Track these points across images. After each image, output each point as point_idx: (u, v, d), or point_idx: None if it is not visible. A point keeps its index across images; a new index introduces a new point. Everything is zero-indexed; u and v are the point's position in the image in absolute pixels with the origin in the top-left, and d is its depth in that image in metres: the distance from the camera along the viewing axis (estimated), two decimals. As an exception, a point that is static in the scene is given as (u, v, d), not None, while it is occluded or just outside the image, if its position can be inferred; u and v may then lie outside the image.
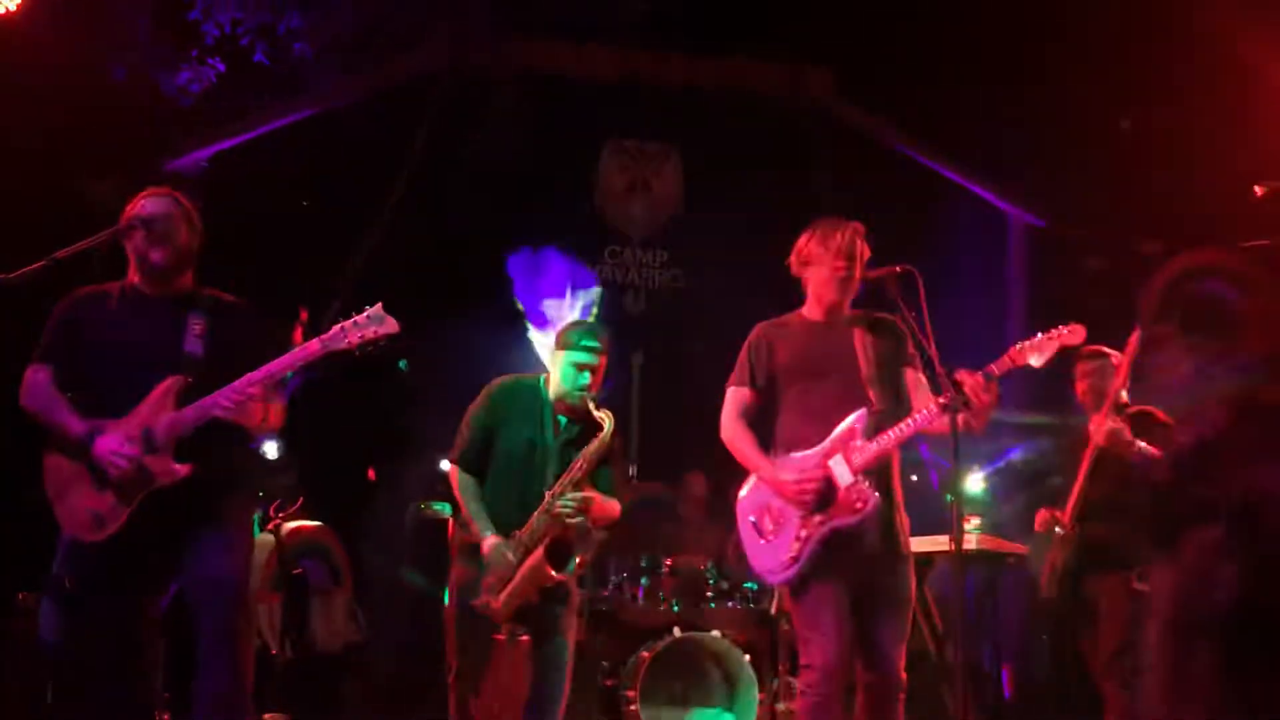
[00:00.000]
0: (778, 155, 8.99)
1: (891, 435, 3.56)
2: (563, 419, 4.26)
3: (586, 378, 4.18)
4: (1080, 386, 4.85)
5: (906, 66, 8.44)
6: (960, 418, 3.41)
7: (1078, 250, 8.58)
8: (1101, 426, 4.44)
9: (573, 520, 4.02)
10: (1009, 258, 8.80)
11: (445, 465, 4.36)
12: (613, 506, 4.25)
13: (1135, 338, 4.52)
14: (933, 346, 3.46)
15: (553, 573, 4.00)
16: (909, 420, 3.57)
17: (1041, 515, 4.80)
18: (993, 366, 3.48)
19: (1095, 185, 8.22)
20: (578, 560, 4.08)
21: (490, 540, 4.07)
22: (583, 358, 4.18)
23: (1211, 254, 9.02)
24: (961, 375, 3.44)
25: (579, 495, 4.05)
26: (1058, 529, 4.65)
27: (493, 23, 8.18)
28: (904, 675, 3.62)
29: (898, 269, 3.59)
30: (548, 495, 4.07)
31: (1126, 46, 7.75)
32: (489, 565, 4.05)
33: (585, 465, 4.10)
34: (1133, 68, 7.81)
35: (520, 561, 4.01)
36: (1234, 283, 8.91)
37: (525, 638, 4.25)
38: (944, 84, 8.31)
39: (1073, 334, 3.54)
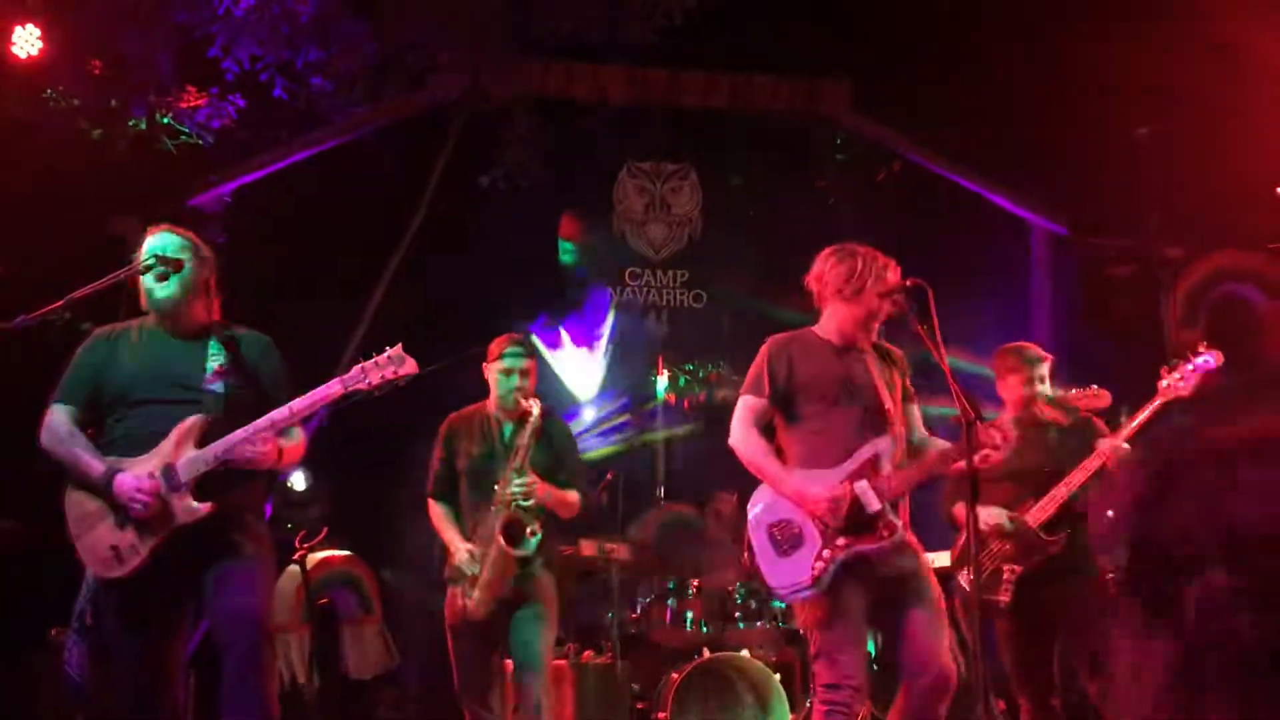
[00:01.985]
0: (795, 171, 8.99)
1: (921, 471, 3.61)
2: (508, 426, 4.66)
3: (515, 379, 4.59)
4: (1006, 386, 4.68)
5: (922, 78, 8.43)
6: (978, 458, 3.43)
7: (1101, 258, 8.52)
8: (1110, 448, 4.34)
9: (522, 502, 4.39)
10: (1032, 267, 8.75)
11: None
12: (568, 495, 4.60)
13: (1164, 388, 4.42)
14: (944, 360, 3.44)
15: (512, 550, 4.35)
16: (939, 460, 3.61)
17: (994, 512, 4.52)
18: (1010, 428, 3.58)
19: (1116, 192, 8.17)
20: (529, 531, 4.40)
21: (460, 548, 4.47)
22: (509, 362, 4.62)
23: (1235, 257, 8.99)
24: (990, 428, 3.48)
25: (523, 480, 4.39)
26: (1007, 523, 4.45)
27: (506, 49, 8.22)
28: (951, 668, 3.58)
29: (908, 282, 3.57)
30: (497, 489, 4.44)
31: (1144, 53, 7.71)
32: (462, 572, 4.45)
33: (523, 452, 4.45)
34: (1151, 74, 7.77)
35: (484, 555, 4.40)
36: (1258, 285, 8.83)
37: (507, 661, 4.73)
38: (961, 95, 8.29)
39: (1097, 398, 3.56)
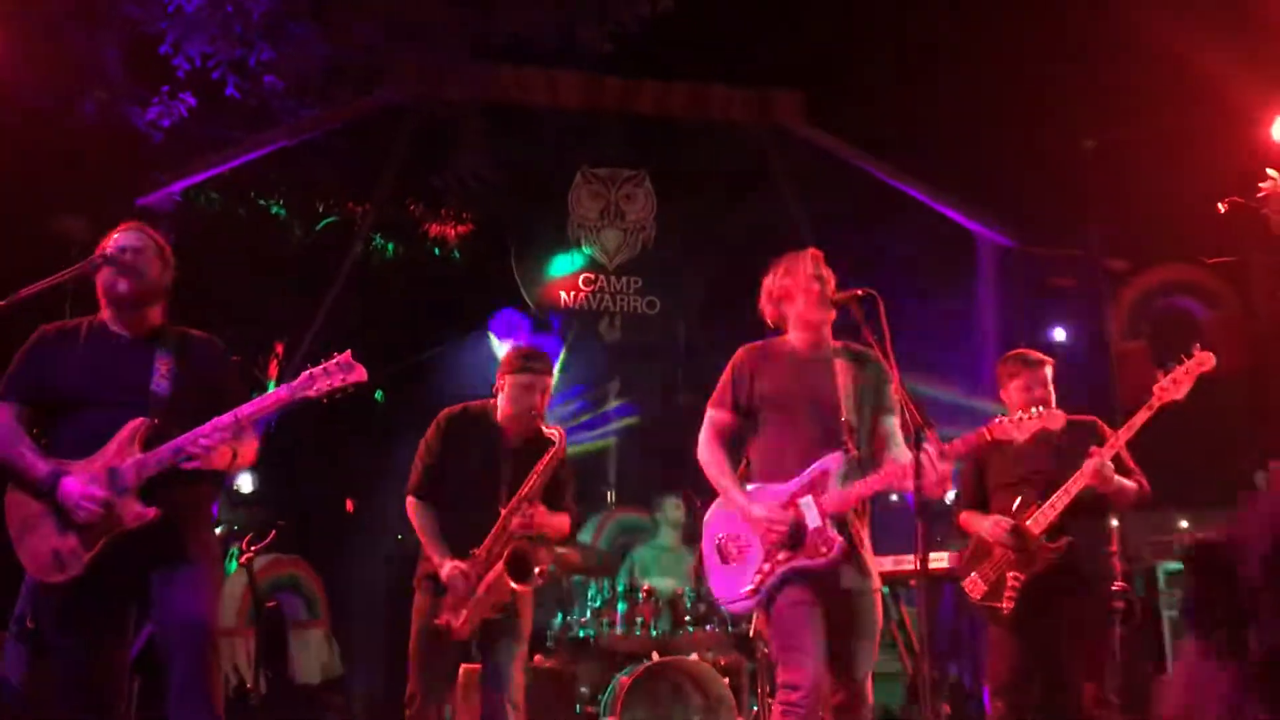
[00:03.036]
0: (748, 180, 9.05)
1: (863, 487, 3.60)
2: (512, 440, 4.41)
3: (535, 396, 4.36)
4: (1008, 392, 4.70)
5: (874, 90, 8.53)
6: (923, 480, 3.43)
7: (1046, 269, 8.66)
8: (1094, 468, 4.38)
9: (529, 534, 4.22)
10: (978, 278, 8.86)
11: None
12: (562, 521, 4.44)
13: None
14: (895, 370, 3.48)
15: (513, 585, 4.17)
16: (880, 476, 3.60)
17: (998, 520, 4.57)
18: (960, 444, 3.54)
19: (1062, 204, 8.31)
20: (538, 570, 4.24)
21: (449, 564, 4.21)
22: (531, 378, 4.36)
23: (1177, 270, 9.15)
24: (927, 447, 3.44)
25: (531, 511, 4.22)
26: (1009, 532, 4.47)
27: (460, 53, 8.20)
28: (870, 697, 3.66)
29: (859, 292, 3.61)
30: (503, 513, 4.23)
31: (1090, 68, 7.86)
32: (449, 587, 4.19)
33: (538, 480, 4.26)
34: (1095, 88, 7.92)
35: (480, 578, 4.18)
36: (1200, 297, 9.00)
37: (474, 665, 4.50)
38: (912, 108, 8.40)
39: (1052, 418, 3.57)
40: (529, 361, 4.40)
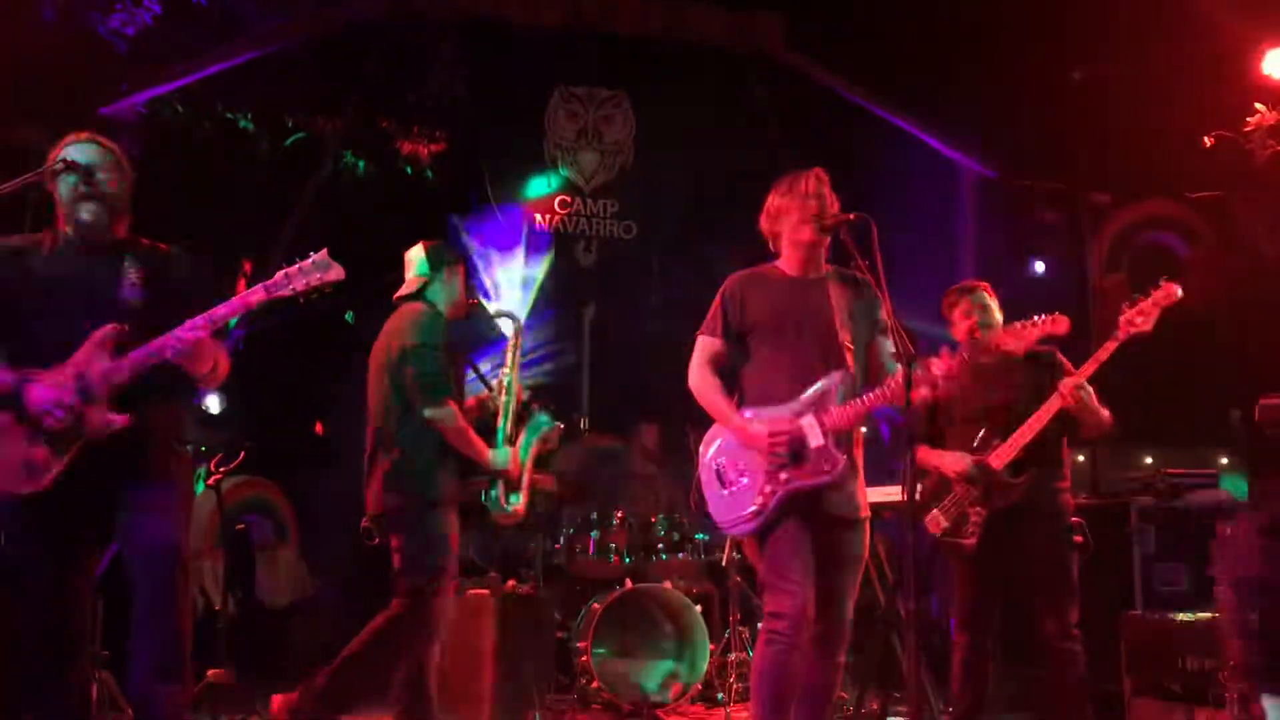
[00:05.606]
0: (728, 104, 8.91)
1: (864, 402, 3.56)
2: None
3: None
4: (963, 326, 4.61)
5: (857, 16, 8.39)
6: (924, 392, 3.40)
7: (1028, 201, 8.60)
8: (1071, 387, 4.34)
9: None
10: (959, 208, 8.79)
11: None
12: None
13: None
14: (886, 296, 3.44)
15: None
16: (881, 390, 3.56)
17: (960, 455, 4.53)
18: (963, 353, 3.51)
19: (1045, 136, 8.23)
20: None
21: (508, 452, 4.48)
22: (461, 265, 4.64)
23: (1159, 205, 9.11)
24: (936, 361, 3.41)
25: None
26: (972, 468, 4.43)
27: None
28: (845, 627, 3.67)
29: (851, 216, 3.56)
30: (520, 395, 4.64)
31: (1077, -1, 7.75)
32: (509, 476, 4.48)
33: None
34: (1082, 20, 7.80)
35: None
36: (1182, 233, 8.98)
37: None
38: (895, 34, 8.26)
39: (1055, 323, 3.52)
40: (456, 252, 4.70)
